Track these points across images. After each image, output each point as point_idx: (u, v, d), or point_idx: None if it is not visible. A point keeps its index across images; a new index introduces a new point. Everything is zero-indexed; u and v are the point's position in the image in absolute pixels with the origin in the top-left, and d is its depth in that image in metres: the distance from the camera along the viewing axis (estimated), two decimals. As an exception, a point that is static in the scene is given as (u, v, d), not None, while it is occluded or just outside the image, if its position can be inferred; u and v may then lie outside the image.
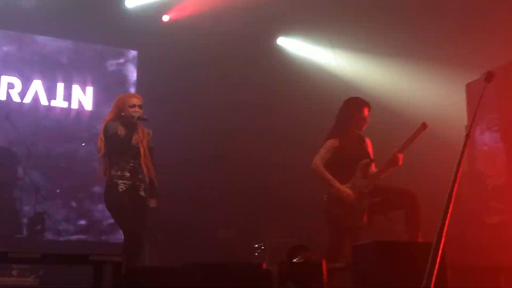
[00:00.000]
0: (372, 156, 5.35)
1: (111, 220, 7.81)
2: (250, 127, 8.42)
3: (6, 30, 7.66)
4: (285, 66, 8.70)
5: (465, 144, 3.39)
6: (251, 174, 8.07)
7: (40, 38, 8.02)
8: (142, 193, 5.08)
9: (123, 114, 5.10)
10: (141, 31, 8.12)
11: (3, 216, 6.84)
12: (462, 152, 3.34)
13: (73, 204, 7.79)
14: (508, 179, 6.67)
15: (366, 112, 5.30)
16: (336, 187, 5.10)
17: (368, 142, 5.44)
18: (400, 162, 5.10)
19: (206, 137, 8.23)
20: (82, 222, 7.77)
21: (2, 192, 6.94)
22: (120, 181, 4.98)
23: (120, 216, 5.00)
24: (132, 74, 8.49)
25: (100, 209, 7.86)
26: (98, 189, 7.85)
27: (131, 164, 5.03)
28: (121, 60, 8.50)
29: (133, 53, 8.55)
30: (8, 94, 7.74)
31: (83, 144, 7.86)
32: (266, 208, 8.01)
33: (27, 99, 7.82)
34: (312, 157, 5.36)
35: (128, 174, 5.00)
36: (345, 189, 5.08)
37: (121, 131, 5.05)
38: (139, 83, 8.44)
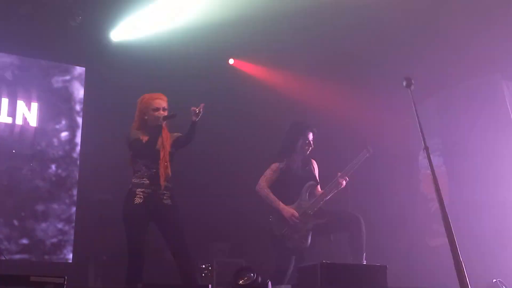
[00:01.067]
0: (317, 178, 5.44)
1: (55, 239, 7.73)
2: (199, 147, 8.43)
3: None
4: (238, 87, 8.73)
5: (428, 155, 3.51)
6: (199, 192, 8.04)
7: (-15, 54, 7.82)
8: (168, 201, 4.78)
9: (146, 118, 4.87)
10: (90, 48, 8.06)
11: None
12: (430, 163, 3.45)
13: (15, 222, 7.57)
14: (450, 202, 6.89)
15: (310, 136, 5.38)
16: (279, 207, 5.15)
17: (314, 164, 5.53)
18: (343, 186, 5.19)
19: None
20: (25, 241, 7.57)
21: None
22: (138, 190, 4.75)
23: (127, 228, 4.73)
24: (79, 91, 8.35)
25: (43, 228, 7.69)
26: (41, 207, 7.71)
27: (153, 170, 4.75)
28: (67, 77, 8.36)
29: (79, 70, 8.42)
30: None
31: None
32: (214, 227, 8.00)
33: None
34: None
35: (148, 182, 4.73)
36: (289, 209, 5.13)
37: (144, 136, 4.82)
38: (86, 100, 8.30)
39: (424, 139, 3.69)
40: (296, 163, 5.39)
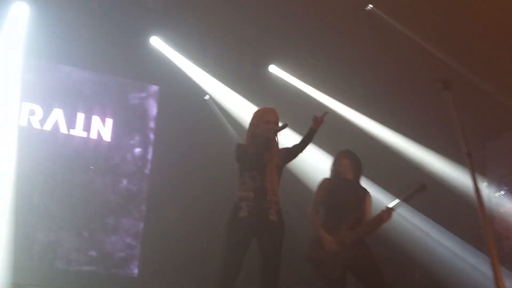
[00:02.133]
0: (367, 209, 5.15)
1: (122, 253, 7.88)
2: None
3: (30, 58, 7.72)
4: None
5: (471, 163, 3.35)
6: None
7: (64, 68, 8.12)
8: (273, 217, 4.56)
9: (257, 131, 4.72)
10: (163, 67, 8.26)
11: (16, 242, 6.84)
12: (473, 171, 3.29)
13: (85, 234, 7.76)
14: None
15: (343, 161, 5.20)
16: (320, 235, 4.94)
17: (369, 197, 5.23)
18: (389, 221, 4.91)
19: (223, 175, 8.24)
20: (93, 253, 7.74)
21: (17, 218, 6.94)
22: (243, 203, 4.55)
23: (227, 241, 4.53)
24: (153, 108, 8.55)
25: (112, 241, 7.85)
26: (111, 220, 7.88)
27: (259, 184, 4.57)
28: (143, 94, 8.58)
29: (154, 88, 8.62)
30: (29, 121, 7.79)
31: (92, 167, 7.84)
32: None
33: (47, 127, 7.87)
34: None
35: (253, 195, 4.55)
36: (330, 241, 4.90)
37: (252, 149, 4.66)
38: (159, 117, 8.49)
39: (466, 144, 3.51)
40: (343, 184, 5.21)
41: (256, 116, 4.84)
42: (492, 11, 6.95)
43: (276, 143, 4.72)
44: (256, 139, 4.68)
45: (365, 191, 5.14)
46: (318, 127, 4.63)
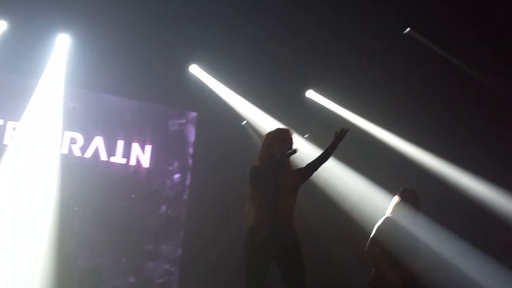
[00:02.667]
0: None
1: (161, 280, 7.92)
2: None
3: (73, 87, 7.93)
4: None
5: None
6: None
7: (105, 96, 8.29)
8: (289, 240, 4.41)
9: (271, 151, 4.57)
10: (202, 94, 8.35)
11: (58, 269, 6.94)
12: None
13: (124, 260, 7.83)
14: None
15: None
16: (384, 271, 5.02)
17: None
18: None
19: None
20: (132, 279, 7.80)
21: (59, 245, 7.05)
22: (258, 227, 4.39)
23: (246, 267, 4.37)
24: (191, 134, 8.64)
25: (151, 267, 7.89)
26: (150, 247, 7.94)
27: (273, 207, 4.40)
28: (183, 121, 8.69)
29: (193, 114, 8.72)
30: (70, 149, 7.96)
31: (133, 195, 7.92)
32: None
33: (88, 154, 8.02)
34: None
35: (268, 219, 4.39)
36: (394, 278, 4.96)
37: (268, 170, 4.52)
38: (197, 143, 8.56)
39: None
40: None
41: (271, 136, 4.72)
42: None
43: (290, 166, 4.61)
44: (271, 159, 4.54)
45: None
46: (338, 144, 4.60)
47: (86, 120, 8.09)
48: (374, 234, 5.23)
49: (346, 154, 8.20)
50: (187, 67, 8.38)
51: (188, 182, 8.44)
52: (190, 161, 8.55)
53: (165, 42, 7.91)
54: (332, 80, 8.51)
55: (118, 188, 8.05)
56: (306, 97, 8.86)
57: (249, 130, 8.80)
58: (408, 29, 7.79)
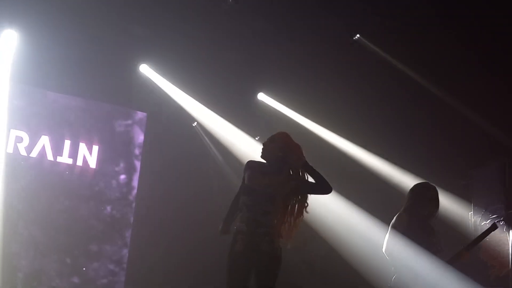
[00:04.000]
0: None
1: (105, 280, 7.84)
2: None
3: (19, 84, 7.77)
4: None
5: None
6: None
7: (51, 94, 8.14)
8: (265, 248, 4.19)
9: (280, 155, 4.33)
10: (152, 94, 8.29)
11: (1, 270, 6.81)
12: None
13: (68, 260, 7.71)
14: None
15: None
16: None
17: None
18: (466, 260, 4.98)
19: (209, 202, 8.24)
20: (76, 280, 7.69)
21: (3, 246, 6.91)
22: (239, 236, 4.22)
23: (227, 277, 4.22)
24: (139, 136, 8.57)
25: (95, 268, 7.80)
26: (94, 247, 7.84)
27: (251, 214, 4.20)
28: (129, 121, 8.61)
29: (141, 115, 8.66)
30: (16, 148, 7.80)
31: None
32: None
33: (34, 154, 7.87)
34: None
35: (246, 228, 4.20)
36: None
37: (255, 172, 4.33)
38: (146, 144, 8.50)
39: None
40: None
41: (293, 143, 4.43)
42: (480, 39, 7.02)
43: (287, 172, 4.36)
44: (277, 160, 4.33)
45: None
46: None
47: (32, 118, 7.94)
48: (390, 233, 5.02)
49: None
50: (137, 67, 8.29)
51: (134, 183, 8.36)
52: (136, 162, 8.47)
53: (115, 41, 7.81)
54: (283, 83, 8.57)
55: (64, 189, 7.93)
56: (258, 100, 8.89)
57: (199, 131, 8.80)
58: (357, 35, 7.93)
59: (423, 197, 5.11)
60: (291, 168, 4.33)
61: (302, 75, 8.30)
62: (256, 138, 8.75)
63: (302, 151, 4.38)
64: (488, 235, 4.95)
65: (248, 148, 8.69)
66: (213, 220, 7.93)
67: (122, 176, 8.36)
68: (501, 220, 7.01)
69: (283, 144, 4.37)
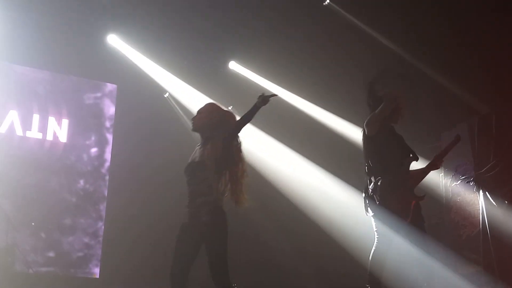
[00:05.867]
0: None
1: (81, 253, 7.79)
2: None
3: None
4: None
5: None
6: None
7: (18, 68, 7.95)
8: (205, 219, 4.15)
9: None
10: (121, 66, 8.17)
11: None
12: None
13: (42, 235, 7.62)
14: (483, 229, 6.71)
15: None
16: None
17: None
18: (439, 168, 5.12)
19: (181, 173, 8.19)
20: (51, 254, 7.62)
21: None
22: (186, 210, 4.27)
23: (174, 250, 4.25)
24: (109, 108, 8.44)
25: (70, 242, 7.74)
26: (68, 221, 7.78)
27: (191, 186, 4.25)
28: (99, 94, 8.46)
29: (110, 87, 8.51)
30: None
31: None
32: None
33: (2, 129, 7.71)
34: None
35: (188, 201, 4.25)
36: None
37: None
38: (117, 116, 8.39)
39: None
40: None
41: (219, 112, 4.54)
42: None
43: (214, 140, 4.36)
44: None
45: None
46: (261, 107, 4.33)
47: (-1, 93, 7.73)
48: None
49: (269, 126, 8.32)
50: (104, 38, 8.14)
51: (106, 156, 8.27)
52: (107, 135, 8.36)
53: (81, 11, 7.69)
54: (254, 51, 8.52)
55: (34, 163, 7.77)
56: (229, 69, 8.83)
57: (171, 102, 8.71)
58: (328, 1, 7.90)
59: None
60: (221, 134, 4.33)
61: (273, 43, 8.26)
62: (229, 108, 8.68)
63: (232, 117, 4.47)
64: (453, 146, 5.04)
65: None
66: (184, 189, 8.00)
67: (94, 149, 8.24)
68: (471, 181, 7.18)
69: (207, 113, 4.46)
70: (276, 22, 8.04)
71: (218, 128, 4.38)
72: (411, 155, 5.02)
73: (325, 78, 8.36)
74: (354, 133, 8.15)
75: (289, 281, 7.98)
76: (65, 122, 8.09)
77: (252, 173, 8.08)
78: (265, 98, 4.31)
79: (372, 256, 4.87)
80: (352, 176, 7.63)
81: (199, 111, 4.54)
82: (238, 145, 4.41)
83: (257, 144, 8.27)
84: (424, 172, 5.06)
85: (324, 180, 8.28)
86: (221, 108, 4.57)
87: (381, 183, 4.86)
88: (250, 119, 4.33)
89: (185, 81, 8.64)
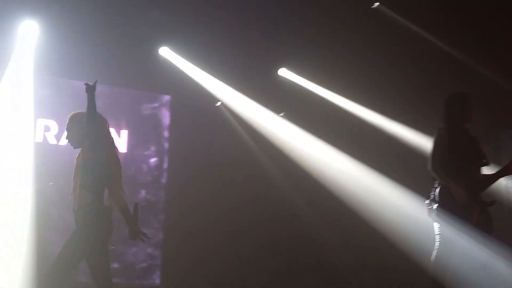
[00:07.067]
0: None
1: (144, 264, 7.92)
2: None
3: (43, 75, 7.77)
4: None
5: None
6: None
7: (76, 83, 8.13)
8: (78, 222, 4.47)
9: None
10: (174, 76, 8.30)
11: (37, 258, 6.87)
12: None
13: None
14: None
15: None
16: (450, 186, 4.80)
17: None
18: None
19: (238, 179, 8.31)
20: (115, 265, 7.77)
21: (37, 234, 6.96)
22: None
23: None
24: (166, 118, 8.59)
25: (133, 252, 7.88)
26: (131, 232, 7.91)
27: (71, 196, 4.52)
28: (155, 104, 8.62)
29: (166, 97, 8.66)
30: (44, 137, 7.83)
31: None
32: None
33: (63, 142, 7.91)
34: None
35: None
36: (460, 190, 4.77)
37: None
38: (172, 126, 8.53)
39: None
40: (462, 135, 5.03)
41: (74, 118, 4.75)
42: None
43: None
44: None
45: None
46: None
47: (58, 107, 7.91)
48: (434, 148, 4.97)
49: (319, 129, 8.35)
50: (157, 50, 8.29)
51: (165, 165, 8.40)
52: (166, 145, 8.50)
53: (133, 25, 7.82)
54: (303, 57, 8.55)
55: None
56: (279, 75, 8.88)
57: (223, 110, 8.81)
58: (377, 3, 7.86)
59: (458, 105, 5.07)
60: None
61: (322, 48, 8.26)
62: (280, 115, 8.77)
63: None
64: None
65: (272, 124, 8.73)
66: (244, 196, 8.13)
67: (153, 160, 8.39)
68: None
69: (68, 122, 4.73)
70: (324, 26, 8.04)
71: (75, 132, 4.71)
72: (483, 160, 4.95)
73: (377, 82, 8.32)
74: (412, 136, 8.17)
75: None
76: (124, 133, 8.27)
77: (309, 179, 8.22)
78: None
79: (433, 260, 4.84)
80: (408, 178, 7.59)
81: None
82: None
83: (313, 149, 8.31)
84: (496, 176, 4.93)
85: (380, 182, 8.25)
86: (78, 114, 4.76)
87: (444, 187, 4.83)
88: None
89: (236, 89, 8.72)
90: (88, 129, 4.51)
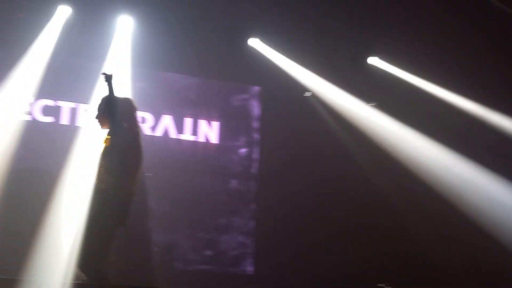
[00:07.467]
0: None
1: (236, 252, 8.10)
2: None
3: (140, 68, 8.03)
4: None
5: None
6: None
7: (170, 75, 8.39)
8: None
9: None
10: (264, 68, 8.37)
11: (134, 245, 7.16)
12: None
13: (200, 234, 8.03)
14: None
15: None
16: None
17: None
18: None
19: (328, 170, 8.29)
20: (208, 252, 7.99)
21: (134, 222, 7.23)
22: None
23: None
24: (255, 109, 8.71)
25: (226, 241, 8.06)
26: (223, 220, 8.12)
27: None
28: (245, 96, 8.74)
29: (255, 88, 8.76)
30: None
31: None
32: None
33: (158, 133, 8.18)
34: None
35: None
36: None
37: None
38: (262, 117, 8.62)
39: None
40: None
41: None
42: None
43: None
44: None
45: None
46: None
47: (154, 99, 8.19)
48: None
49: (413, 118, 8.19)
50: (246, 41, 8.39)
51: (254, 156, 8.51)
52: (255, 136, 8.60)
53: (223, 18, 7.95)
54: (393, 46, 8.38)
55: (189, 165, 8.19)
56: (370, 65, 8.76)
57: (313, 101, 8.79)
58: None
59: None
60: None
61: (417, 38, 8.06)
62: (372, 105, 8.66)
63: None
64: None
65: (363, 114, 8.63)
66: (335, 188, 8.12)
67: (243, 150, 8.52)
68: None
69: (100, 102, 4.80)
70: (418, 16, 7.84)
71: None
72: None
73: (474, 70, 8.04)
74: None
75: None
76: (215, 124, 8.44)
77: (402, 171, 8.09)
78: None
79: None
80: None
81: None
82: None
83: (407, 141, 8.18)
84: None
85: (478, 174, 8.02)
86: None
87: None
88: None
89: (325, 79, 8.68)
90: (109, 115, 4.60)
